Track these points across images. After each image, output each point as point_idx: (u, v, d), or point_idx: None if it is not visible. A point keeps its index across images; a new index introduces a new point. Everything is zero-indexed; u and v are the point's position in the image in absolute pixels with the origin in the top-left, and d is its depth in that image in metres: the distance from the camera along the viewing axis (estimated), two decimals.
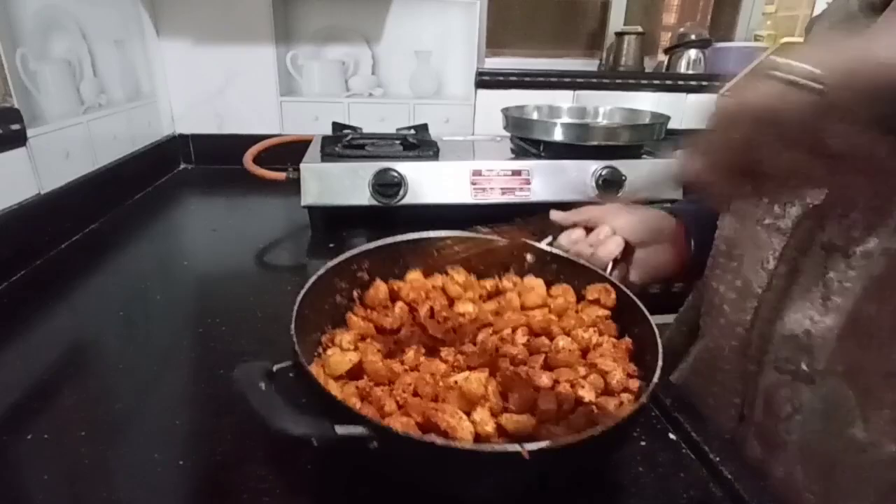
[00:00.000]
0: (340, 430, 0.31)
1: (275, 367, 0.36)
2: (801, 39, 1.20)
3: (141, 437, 0.44)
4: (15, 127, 0.73)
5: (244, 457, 0.41)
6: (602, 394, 0.41)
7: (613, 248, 0.56)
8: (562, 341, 0.44)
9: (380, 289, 0.50)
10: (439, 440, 0.32)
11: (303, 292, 0.43)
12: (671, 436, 0.45)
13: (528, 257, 0.56)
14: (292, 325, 0.39)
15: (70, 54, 0.91)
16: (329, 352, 0.42)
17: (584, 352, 0.45)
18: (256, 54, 1.24)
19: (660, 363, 0.38)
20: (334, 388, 0.39)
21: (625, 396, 0.41)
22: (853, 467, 0.38)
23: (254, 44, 1.23)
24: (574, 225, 0.59)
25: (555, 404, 0.38)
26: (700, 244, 0.58)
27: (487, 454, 0.31)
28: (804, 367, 0.41)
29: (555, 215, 0.60)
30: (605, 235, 0.57)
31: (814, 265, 0.41)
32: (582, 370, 0.43)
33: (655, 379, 0.37)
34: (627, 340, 0.46)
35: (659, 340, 0.41)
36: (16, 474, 0.40)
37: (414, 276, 0.53)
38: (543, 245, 0.57)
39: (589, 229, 0.59)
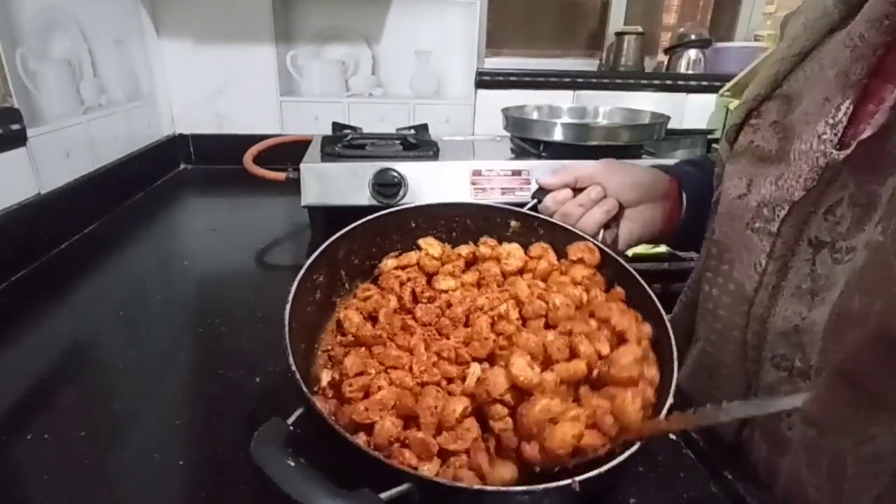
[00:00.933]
0: (386, 496, 0.29)
1: (290, 423, 0.33)
2: None
3: (141, 437, 0.44)
4: (15, 127, 0.73)
5: (244, 457, 0.41)
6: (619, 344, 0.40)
7: (608, 208, 0.53)
8: (558, 299, 0.42)
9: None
10: (490, 487, 0.31)
11: (287, 310, 0.40)
12: (671, 436, 0.45)
13: (513, 223, 0.53)
14: (303, 386, 0.35)
15: (70, 54, 0.91)
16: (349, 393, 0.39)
17: (577, 308, 0.44)
18: (256, 54, 1.24)
19: (675, 356, 0.38)
20: (363, 439, 0.37)
21: (644, 344, 0.40)
22: (854, 460, 0.38)
23: (254, 44, 1.23)
24: (562, 186, 0.55)
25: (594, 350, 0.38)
26: (692, 204, 0.57)
27: (540, 492, 0.31)
28: (798, 363, 0.41)
29: (542, 180, 0.56)
30: (596, 195, 0.54)
31: (802, 261, 0.41)
32: (594, 322, 0.41)
33: (675, 379, 0.37)
34: (619, 291, 0.45)
35: (662, 311, 0.41)
36: (16, 474, 0.40)
37: (390, 262, 0.50)
38: (527, 209, 0.53)
39: (576, 190, 0.55)
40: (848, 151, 0.37)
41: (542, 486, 0.31)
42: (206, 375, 0.53)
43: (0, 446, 0.42)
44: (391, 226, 0.51)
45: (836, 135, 0.40)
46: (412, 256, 0.50)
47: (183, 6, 1.19)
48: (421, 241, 0.50)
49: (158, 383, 0.51)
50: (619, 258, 0.47)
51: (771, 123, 0.45)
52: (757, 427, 0.45)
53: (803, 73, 0.44)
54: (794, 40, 0.45)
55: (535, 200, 0.56)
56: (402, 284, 0.47)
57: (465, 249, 0.51)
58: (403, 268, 0.49)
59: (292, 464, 0.30)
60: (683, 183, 0.58)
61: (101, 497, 0.38)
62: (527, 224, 0.52)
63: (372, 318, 0.45)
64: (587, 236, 0.50)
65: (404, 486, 0.29)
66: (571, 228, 0.51)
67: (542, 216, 0.53)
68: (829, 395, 0.37)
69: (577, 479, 0.30)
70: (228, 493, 0.38)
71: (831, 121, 0.40)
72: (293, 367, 0.35)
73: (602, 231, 0.53)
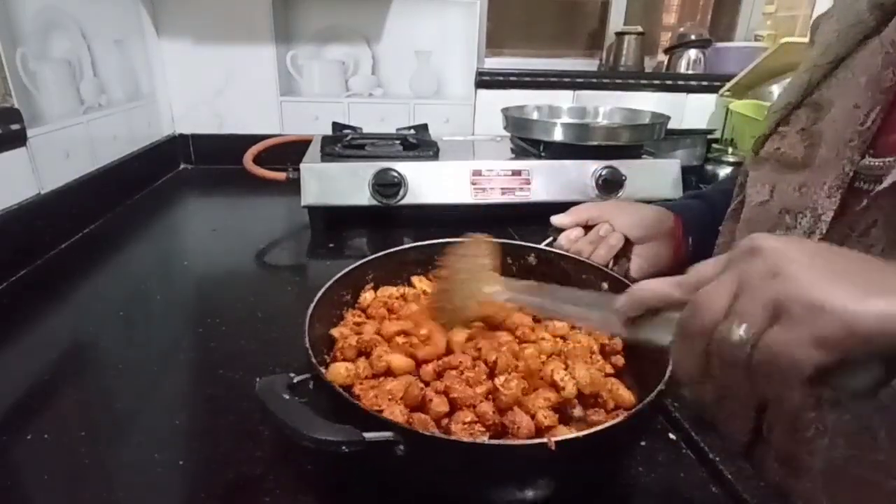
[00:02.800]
0: (369, 436, 0.31)
1: (295, 379, 0.36)
2: (802, 39, 1.20)
3: (141, 437, 0.44)
4: (15, 127, 0.73)
5: (244, 457, 0.41)
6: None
7: (614, 243, 0.57)
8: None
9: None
10: (465, 438, 0.33)
11: (312, 306, 0.43)
12: (671, 436, 0.45)
13: (531, 258, 0.57)
14: (307, 342, 0.38)
15: (70, 54, 0.91)
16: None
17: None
18: (256, 54, 1.24)
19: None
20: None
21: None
22: (880, 494, 0.36)
23: (254, 44, 1.23)
24: (574, 225, 0.60)
25: None
26: (697, 239, 0.59)
27: (515, 448, 0.32)
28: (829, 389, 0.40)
29: (555, 220, 0.60)
30: (604, 232, 0.58)
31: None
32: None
33: (669, 370, 0.37)
34: None
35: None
36: (16, 474, 0.40)
37: (368, 296, 0.53)
38: (544, 245, 0.58)
39: (587, 228, 0.59)
40: (888, 183, 0.35)
41: (517, 442, 0.33)
42: (206, 375, 0.53)
43: (0, 446, 0.42)
44: (418, 258, 0.55)
45: (864, 142, 0.39)
46: (392, 291, 0.53)
47: (183, 6, 1.19)
48: (415, 279, 0.55)
49: (158, 383, 0.51)
50: (621, 277, 0.50)
51: (798, 131, 0.45)
52: (771, 450, 0.44)
53: (835, 81, 0.43)
54: (826, 47, 0.44)
55: (551, 238, 0.60)
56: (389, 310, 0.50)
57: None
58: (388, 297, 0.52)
59: (287, 397, 0.33)
60: (687, 221, 0.60)
61: (101, 497, 0.38)
62: (544, 259, 0.56)
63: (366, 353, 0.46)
64: (601, 266, 0.54)
65: (387, 433, 0.31)
66: (585, 260, 0.55)
67: (558, 251, 0.57)
68: (863, 422, 0.37)
69: (554, 438, 0.31)
70: (228, 493, 0.38)
71: (860, 128, 0.39)
72: (307, 344, 0.37)
73: (612, 264, 0.57)
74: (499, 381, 0.39)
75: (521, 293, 0.42)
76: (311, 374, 0.36)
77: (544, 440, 0.30)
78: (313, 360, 0.37)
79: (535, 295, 0.42)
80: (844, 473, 0.38)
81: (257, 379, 0.35)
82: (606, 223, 0.58)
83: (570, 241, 0.59)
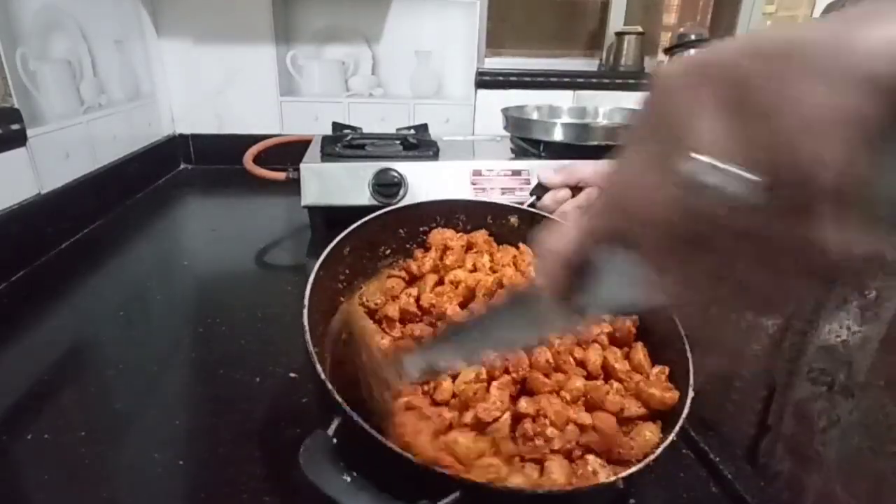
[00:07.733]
0: None
1: (332, 433, 0.31)
2: None
3: (141, 437, 0.44)
4: (15, 127, 0.73)
5: (244, 457, 0.41)
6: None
7: None
8: None
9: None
10: (540, 490, 0.31)
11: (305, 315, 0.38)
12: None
13: (513, 219, 0.52)
14: (321, 371, 0.33)
15: (70, 54, 0.91)
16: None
17: None
18: (256, 54, 1.24)
19: (689, 354, 0.39)
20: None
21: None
22: None
23: (254, 44, 1.23)
24: (563, 185, 0.54)
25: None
26: None
27: (589, 491, 0.31)
28: (842, 378, 0.39)
29: (543, 177, 0.54)
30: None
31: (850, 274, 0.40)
32: None
33: (691, 379, 0.37)
34: None
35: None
36: (16, 474, 0.40)
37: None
38: (526, 206, 0.52)
39: (577, 189, 0.54)
40: None
41: (589, 485, 0.32)
42: (206, 375, 0.53)
43: (0, 446, 0.42)
44: (393, 224, 0.53)
45: None
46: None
47: (183, 6, 1.19)
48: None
49: (158, 383, 0.51)
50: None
51: None
52: (781, 440, 0.44)
53: None
54: None
55: (535, 197, 0.55)
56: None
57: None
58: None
59: (348, 479, 0.28)
60: None
61: (101, 497, 0.38)
62: (526, 220, 0.52)
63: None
64: None
65: (455, 495, 0.29)
66: None
67: (541, 212, 0.52)
68: (879, 413, 0.36)
69: (621, 475, 0.30)
70: (228, 493, 0.38)
71: None
72: (322, 377, 0.33)
73: None
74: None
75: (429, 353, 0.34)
76: (343, 418, 0.32)
77: (613, 479, 0.30)
78: (339, 401, 0.31)
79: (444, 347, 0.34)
80: (861, 465, 0.38)
81: (300, 457, 0.29)
82: (597, 188, 0.52)
83: (555, 201, 0.53)
